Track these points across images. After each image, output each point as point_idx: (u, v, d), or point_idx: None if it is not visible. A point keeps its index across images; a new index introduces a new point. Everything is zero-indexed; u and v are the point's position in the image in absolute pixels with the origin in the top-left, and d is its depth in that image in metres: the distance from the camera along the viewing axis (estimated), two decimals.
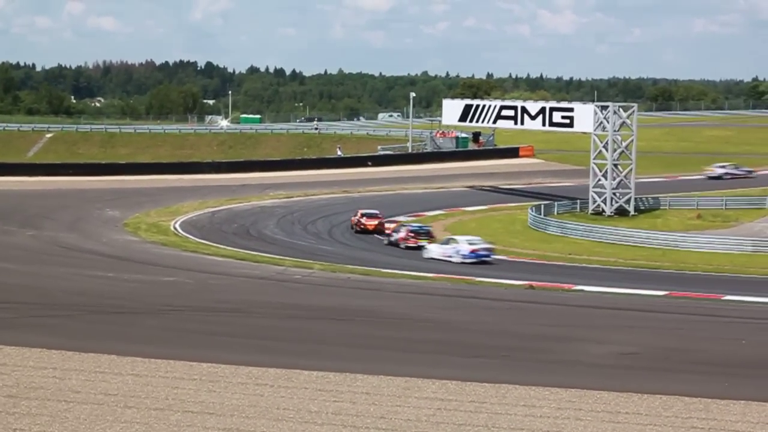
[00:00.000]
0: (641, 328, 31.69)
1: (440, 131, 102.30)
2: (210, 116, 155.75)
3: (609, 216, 64.72)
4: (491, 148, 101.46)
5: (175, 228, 58.43)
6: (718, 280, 44.82)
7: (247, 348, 26.43)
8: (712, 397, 21.87)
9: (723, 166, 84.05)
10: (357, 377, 22.91)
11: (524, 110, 74.00)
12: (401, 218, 61.01)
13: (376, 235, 56.61)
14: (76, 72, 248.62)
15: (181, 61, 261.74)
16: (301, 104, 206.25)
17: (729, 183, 79.87)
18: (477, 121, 78.77)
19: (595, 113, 66.86)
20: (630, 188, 66.01)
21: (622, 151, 66.65)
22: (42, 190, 76.30)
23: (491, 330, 31.15)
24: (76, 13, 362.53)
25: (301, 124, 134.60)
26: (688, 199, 70.70)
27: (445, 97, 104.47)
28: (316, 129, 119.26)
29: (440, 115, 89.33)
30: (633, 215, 65.30)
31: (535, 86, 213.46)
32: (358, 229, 58.07)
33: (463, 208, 68.63)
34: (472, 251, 48.05)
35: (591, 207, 65.96)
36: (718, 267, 48.16)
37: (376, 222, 57.76)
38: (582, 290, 40.43)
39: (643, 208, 67.37)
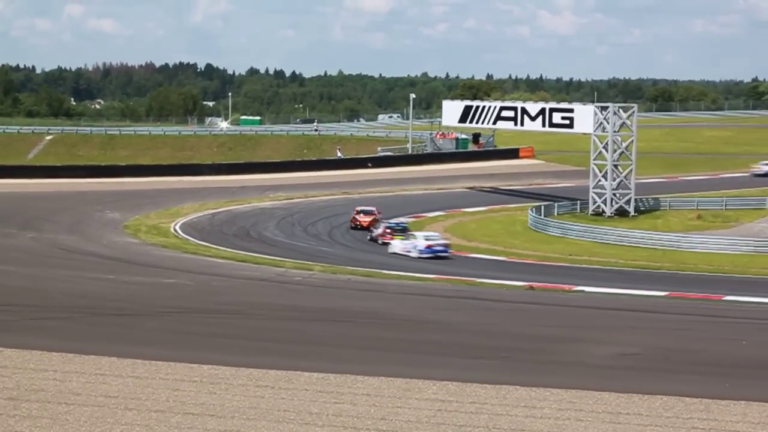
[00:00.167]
0: (642, 329, 31.67)
1: (440, 132, 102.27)
2: (210, 118, 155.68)
3: (609, 217, 64.70)
4: (491, 149, 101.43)
5: (175, 230, 58.43)
6: (719, 280, 44.80)
7: (248, 350, 26.43)
8: (712, 397, 21.88)
9: None
10: (357, 379, 22.92)
11: (524, 111, 73.98)
12: (401, 219, 60.96)
13: (367, 232, 57.36)
14: (76, 74, 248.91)
15: (180, 63, 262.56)
16: (301, 106, 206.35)
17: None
18: (477, 122, 78.76)
19: (595, 114, 66.84)
20: (630, 189, 66.00)
21: (622, 152, 66.63)
22: (42, 193, 76.28)
23: (492, 331, 31.16)
24: (76, 15, 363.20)
25: (300, 125, 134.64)
26: (688, 199, 70.69)
27: (445, 99, 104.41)
28: (316, 130, 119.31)
29: (440, 117, 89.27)
30: (633, 216, 65.26)
31: (534, 87, 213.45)
32: (353, 225, 59.85)
33: (463, 209, 68.61)
34: (428, 246, 49.82)
35: (591, 208, 65.94)
36: (718, 267, 48.13)
37: (370, 219, 59.20)
38: (582, 291, 40.43)
39: (643, 208, 67.33)
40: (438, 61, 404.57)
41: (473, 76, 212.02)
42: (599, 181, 66.14)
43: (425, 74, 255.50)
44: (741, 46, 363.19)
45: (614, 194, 65.74)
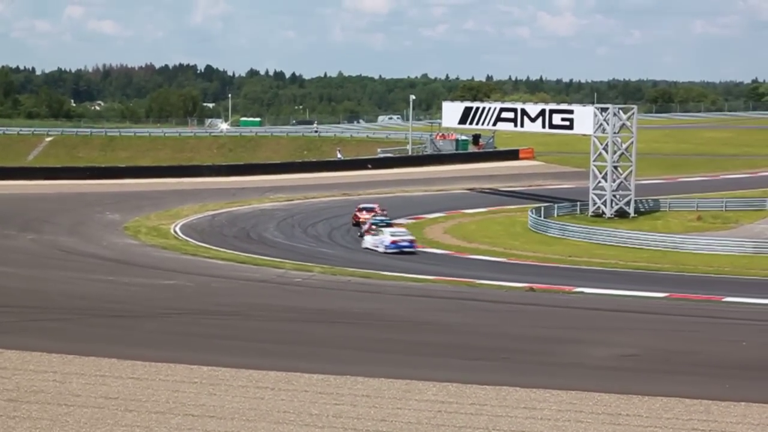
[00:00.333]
0: (642, 330, 31.66)
1: (440, 134, 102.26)
2: (210, 119, 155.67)
3: (609, 218, 64.72)
4: (491, 150, 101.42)
5: (175, 231, 58.44)
6: (719, 281, 44.79)
7: (248, 351, 26.43)
8: (712, 398, 21.86)
9: None
10: (357, 380, 22.91)
11: (524, 112, 74.00)
12: (402, 220, 61.03)
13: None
14: (75, 75, 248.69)
15: (180, 65, 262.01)
16: (301, 107, 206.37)
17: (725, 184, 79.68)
18: (477, 124, 78.82)
19: (595, 115, 66.86)
20: (630, 190, 66.01)
21: (622, 153, 66.65)
22: (42, 194, 76.31)
23: (492, 332, 31.15)
24: (76, 16, 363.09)
25: (297, 127, 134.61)
26: (688, 200, 70.69)
27: (445, 100, 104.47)
28: (316, 132, 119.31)
29: (440, 118, 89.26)
30: (633, 217, 65.27)
31: (534, 88, 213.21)
32: (355, 222, 60.52)
33: (463, 211, 68.61)
34: (393, 242, 51.41)
35: (591, 209, 65.95)
36: (718, 268, 48.12)
37: (371, 215, 59.38)
38: (582, 292, 40.41)
39: (643, 209, 67.33)
40: (438, 63, 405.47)
41: (473, 78, 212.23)
42: (599, 182, 66.15)
43: (425, 75, 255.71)
44: (741, 48, 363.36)
45: (614, 195, 65.75)
